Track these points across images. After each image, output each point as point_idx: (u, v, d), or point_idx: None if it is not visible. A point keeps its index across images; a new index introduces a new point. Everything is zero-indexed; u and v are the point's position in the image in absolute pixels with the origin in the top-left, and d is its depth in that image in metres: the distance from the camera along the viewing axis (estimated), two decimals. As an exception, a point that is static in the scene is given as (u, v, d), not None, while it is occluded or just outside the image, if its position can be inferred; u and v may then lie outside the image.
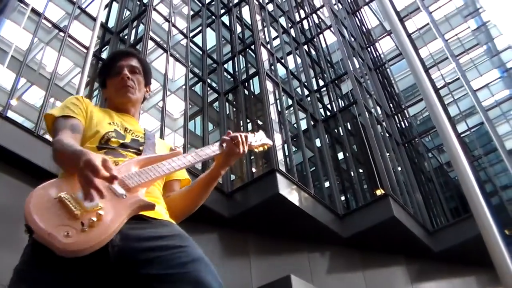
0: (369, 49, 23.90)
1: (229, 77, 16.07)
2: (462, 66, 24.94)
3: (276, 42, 18.12)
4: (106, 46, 14.29)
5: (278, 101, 14.93)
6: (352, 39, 21.70)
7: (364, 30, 25.78)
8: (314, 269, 12.41)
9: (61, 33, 12.17)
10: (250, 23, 17.38)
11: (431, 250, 14.64)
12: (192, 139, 12.77)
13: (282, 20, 19.63)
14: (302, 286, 9.99)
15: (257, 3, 18.30)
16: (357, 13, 26.48)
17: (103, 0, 13.13)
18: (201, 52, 15.86)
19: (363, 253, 13.56)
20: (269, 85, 14.58)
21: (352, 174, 15.10)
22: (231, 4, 18.50)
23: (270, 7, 19.49)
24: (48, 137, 10.16)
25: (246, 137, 1.82)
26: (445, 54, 23.98)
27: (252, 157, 13.46)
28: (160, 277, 1.33)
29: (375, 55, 24.12)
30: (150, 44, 13.33)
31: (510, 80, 26.10)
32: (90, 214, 1.29)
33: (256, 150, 2.00)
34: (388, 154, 15.56)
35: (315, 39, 20.53)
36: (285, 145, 13.61)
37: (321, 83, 18.66)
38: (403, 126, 20.87)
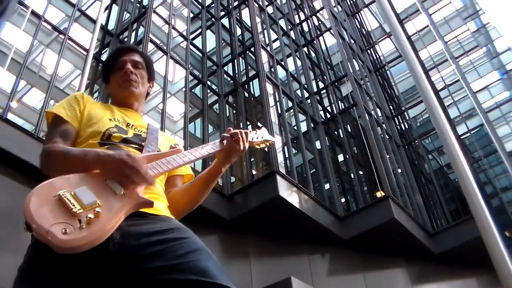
0: (369, 51, 23.92)
1: (229, 79, 16.08)
2: (462, 68, 24.98)
3: (276, 44, 18.14)
4: (106, 49, 14.30)
5: (278, 103, 14.93)
6: (352, 41, 21.72)
7: (364, 32, 25.81)
8: (315, 271, 12.40)
9: (61, 36, 12.17)
10: (250, 25, 17.40)
11: (432, 252, 14.63)
12: (192, 141, 12.76)
13: (282, 22, 19.65)
14: (302, 288, 9.99)
15: (256, 5, 18.33)
16: (357, 15, 26.51)
17: (103, 2, 13.16)
18: (201, 55, 15.87)
19: (363, 255, 13.55)
20: (269, 87, 14.59)
21: (352, 176, 15.09)
22: (231, 7, 18.52)
23: (270, 9, 19.51)
24: (48, 139, 10.15)
25: (246, 133, 1.81)
26: (444, 56, 24.02)
27: (252, 159, 13.46)
28: (163, 269, 1.34)
29: (375, 57, 24.14)
30: (150, 46, 13.35)
31: (510, 82, 26.13)
32: (87, 212, 1.30)
33: (257, 146, 1.99)
34: (388, 156, 15.57)
35: (315, 41, 20.56)
36: (285, 147, 13.61)
37: (321, 85, 18.67)
38: (403, 128, 20.88)
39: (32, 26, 11.57)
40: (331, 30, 20.04)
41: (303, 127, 15.39)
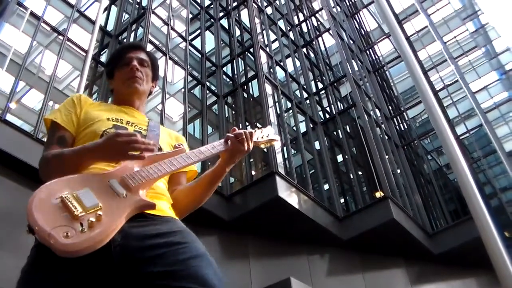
0: (368, 51, 23.94)
1: (228, 80, 16.08)
2: (461, 69, 24.99)
3: (275, 45, 18.15)
4: (105, 50, 14.29)
5: (277, 104, 14.94)
6: (351, 42, 21.73)
7: (363, 32, 25.82)
8: (314, 272, 12.40)
9: (60, 37, 12.17)
10: (249, 26, 17.40)
11: (431, 252, 14.63)
12: (191, 142, 12.76)
13: (281, 23, 19.66)
14: (301, 289, 9.99)
15: (255, 6, 18.33)
16: (356, 16, 26.52)
17: (102, 3, 13.16)
18: (200, 55, 15.86)
19: (362, 256, 13.55)
20: (268, 88, 14.59)
21: (352, 177, 15.10)
22: (230, 7, 18.52)
23: (269, 10, 19.52)
24: (47, 140, 10.16)
25: (251, 134, 1.79)
26: (443, 57, 24.03)
27: (252, 160, 13.46)
28: (162, 274, 1.33)
29: (373, 58, 24.15)
30: (149, 47, 13.34)
31: (509, 82, 26.14)
32: (89, 215, 1.30)
33: (262, 146, 1.97)
34: (387, 156, 15.57)
35: (314, 42, 20.56)
36: (285, 148, 13.61)
37: (320, 85, 18.68)
38: (402, 129, 20.89)
39: (31, 27, 11.56)
40: (330, 31, 20.05)
41: (302, 127, 15.39)
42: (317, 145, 15.43)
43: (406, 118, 21.42)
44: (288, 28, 20.01)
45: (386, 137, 17.37)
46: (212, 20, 17.84)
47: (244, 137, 1.75)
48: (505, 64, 26.87)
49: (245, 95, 15.23)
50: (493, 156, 20.97)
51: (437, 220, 16.68)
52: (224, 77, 15.98)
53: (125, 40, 14.25)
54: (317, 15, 22.46)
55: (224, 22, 18.23)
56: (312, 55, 20.12)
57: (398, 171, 16.47)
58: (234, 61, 16.25)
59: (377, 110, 18.73)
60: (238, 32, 17.97)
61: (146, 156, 1.55)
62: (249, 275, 11.10)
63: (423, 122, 21.66)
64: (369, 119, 16.23)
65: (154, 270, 1.33)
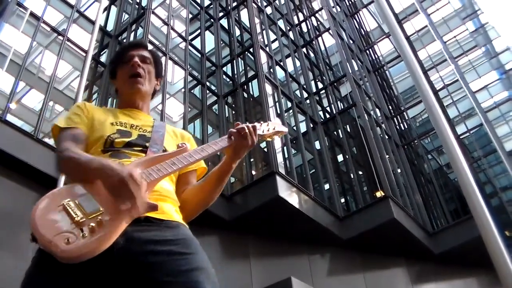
0: (367, 51, 23.93)
1: (228, 80, 16.08)
2: (461, 68, 25.00)
3: (275, 45, 18.15)
4: (105, 50, 14.30)
5: (277, 103, 14.94)
6: (351, 42, 21.73)
7: (363, 32, 25.82)
8: (315, 271, 12.40)
9: (60, 37, 12.18)
10: (248, 26, 17.40)
11: (431, 251, 14.63)
12: (191, 142, 12.76)
13: (281, 23, 19.65)
14: (302, 289, 9.99)
15: (255, 6, 18.33)
16: (356, 15, 26.52)
17: (102, 3, 13.17)
18: (200, 55, 15.87)
19: (363, 255, 13.55)
20: (268, 88, 14.59)
21: (352, 176, 15.09)
22: (229, 7, 18.52)
23: (268, 10, 19.52)
24: (47, 140, 10.17)
25: (254, 127, 1.75)
26: (443, 56, 24.02)
27: (252, 160, 13.46)
28: (160, 284, 1.33)
29: (373, 58, 24.15)
30: (149, 47, 13.33)
31: (509, 82, 26.14)
32: (90, 220, 1.30)
33: (269, 139, 1.94)
34: (387, 156, 15.57)
35: (313, 42, 20.56)
36: (285, 148, 13.61)
37: (320, 85, 18.68)
38: (403, 128, 20.88)
39: (31, 28, 11.57)
40: (330, 31, 20.05)
41: (303, 127, 15.39)
42: (317, 144, 15.43)
43: (406, 118, 21.42)
44: (288, 28, 20.01)
45: (387, 137, 17.37)
46: (212, 20, 17.85)
47: (247, 131, 1.71)
48: (505, 63, 26.88)
49: (245, 95, 15.23)
50: (493, 156, 20.97)
51: (438, 219, 16.68)
52: (224, 77, 15.98)
53: (125, 40, 14.25)
54: (317, 15, 22.46)
55: (224, 22, 18.23)
56: (312, 55, 20.12)
57: (399, 170, 16.47)
58: (234, 61, 16.25)
59: (377, 110, 18.73)
60: (238, 32, 17.98)
61: (150, 157, 1.55)
62: (249, 275, 11.10)
63: (423, 122, 21.67)
64: (369, 118, 16.23)
65: (155, 276, 1.34)
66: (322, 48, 20.64)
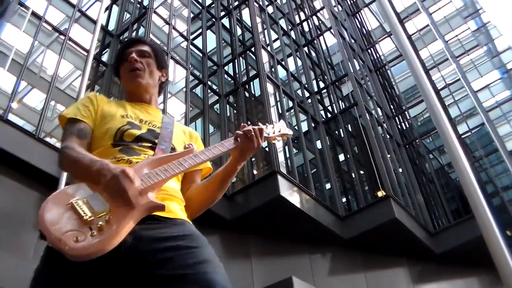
0: (369, 50, 23.92)
1: (229, 79, 16.08)
2: (463, 67, 24.97)
3: (277, 44, 18.14)
4: (107, 49, 14.31)
5: (278, 103, 14.94)
6: (352, 41, 21.72)
7: (364, 31, 25.81)
8: (316, 271, 12.40)
9: (62, 36, 12.19)
10: (250, 25, 17.40)
11: (433, 251, 14.62)
12: (192, 142, 12.76)
13: (282, 22, 19.65)
14: (303, 288, 9.99)
15: (257, 5, 18.33)
16: (357, 14, 26.51)
17: (103, 3, 13.16)
18: (201, 55, 15.87)
19: (364, 255, 13.55)
20: (270, 87, 14.59)
21: (353, 176, 15.09)
22: (231, 7, 18.52)
23: (270, 9, 19.51)
24: (49, 140, 10.19)
25: (260, 130, 1.76)
26: (445, 55, 24.00)
27: (253, 159, 13.47)
28: (170, 278, 1.35)
29: (375, 57, 24.14)
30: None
31: (511, 81, 26.12)
32: (99, 219, 1.32)
33: (274, 141, 1.94)
34: (389, 155, 15.56)
35: (315, 41, 20.55)
36: (286, 147, 13.61)
37: (322, 85, 18.67)
38: (404, 128, 20.87)
39: (33, 27, 11.58)
40: (332, 30, 20.03)
41: (304, 126, 15.39)
42: (318, 144, 15.43)
43: (408, 117, 21.41)
44: (290, 27, 20.01)
45: (388, 136, 17.36)
46: (213, 19, 17.85)
47: (253, 133, 1.72)
48: (507, 62, 26.86)
49: (247, 94, 15.23)
50: (495, 155, 20.95)
51: (439, 219, 16.66)
52: (226, 76, 15.98)
53: (126, 40, 14.25)
54: (318, 14, 22.46)
55: (226, 21, 18.23)
56: (313, 54, 20.11)
57: (400, 170, 16.46)
58: (236, 60, 16.25)
59: (378, 109, 18.72)
60: (239, 31, 17.98)
61: (157, 157, 1.58)
62: (251, 274, 11.11)
63: (425, 121, 21.66)
64: (370, 118, 16.22)
65: (164, 272, 1.35)
66: (324, 47, 20.64)
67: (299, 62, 18.61)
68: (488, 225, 3.72)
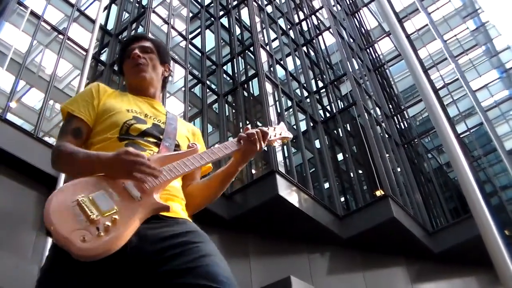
0: (368, 50, 23.93)
1: (228, 78, 16.08)
2: (461, 67, 24.96)
3: (275, 44, 18.14)
4: (105, 48, 14.30)
5: (277, 102, 14.94)
6: (351, 40, 21.72)
7: (363, 31, 25.81)
8: (314, 270, 12.41)
9: (60, 36, 12.18)
10: (249, 24, 17.40)
11: (431, 250, 14.63)
12: (191, 141, 12.75)
13: (281, 22, 19.65)
14: (302, 287, 10.00)
15: (256, 5, 18.33)
16: (356, 14, 26.52)
17: (102, 2, 13.17)
18: (200, 54, 15.87)
19: (363, 254, 13.56)
20: (269, 87, 14.59)
21: (352, 175, 15.10)
22: (230, 6, 18.52)
23: (269, 8, 19.51)
24: (47, 139, 10.18)
25: (264, 134, 1.78)
26: (444, 55, 24.01)
27: (252, 159, 13.45)
28: (175, 273, 1.36)
29: (374, 56, 24.15)
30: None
31: (509, 81, 26.13)
32: (105, 219, 1.33)
33: (275, 144, 1.97)
34: (387, 155, 15.57)
35: (314, 41, 20.56)
36: (285, 147, 13.61)
37: (321, 84, 18.68)
38: (403, 127, 20.88)
39: (31, 26, 11.57)
40: (330, 29, 20.04)
41: (303, 126, 15.40)
42: (317, 143, 15.44)
43: (407, 117, 21.42)
44: (288, 27, 20.00)
45: (387, 136, 17.37)
46: (212, 18, 17.84)
47: (256, 137, 1.74)
48: (506, 62, 26.85)
49: (246, 93, 15.23)
50: (493, 155, 20.96)
51: (437, 218, 16.68)
52: (225, 75, 15.98)
53: (125, 39, 14.23)
54: (317, 13, 22.46)
55: (224, 20, 18.22)
56: (312, 53, 20.11)
57: (399, 169, 16.47)
58: (234, 59, 16.25)
59: (377, 109, 18.73)
60: (238, 31, 17.97)
61: (162, 155, 1.59)
62: (249, 273, 11.11)
63: (424, 121, 21.66)
64: (369, 117, 16.23)
65: (169, 269, 1.36)
66: (323, 46, 20.64)
67: (298, 62, 18.61)
68: (486, 225, 3.72)
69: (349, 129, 17.29)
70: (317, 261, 12.95)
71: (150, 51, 1.93)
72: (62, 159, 1.58)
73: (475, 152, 21.42)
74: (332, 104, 17.53)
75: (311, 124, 15.76)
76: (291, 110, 15.69)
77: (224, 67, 16.21)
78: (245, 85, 15.25)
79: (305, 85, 17.51)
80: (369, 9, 27.45)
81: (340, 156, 16.14)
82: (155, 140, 1.68)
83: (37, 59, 12.11)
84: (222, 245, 11.07)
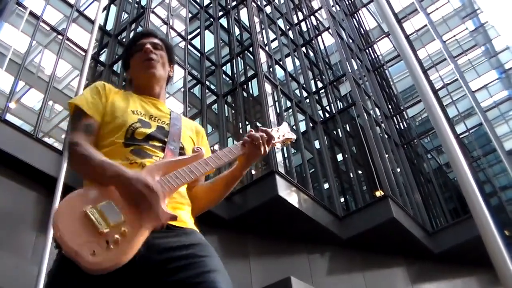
0: (367, 50, 23.93)
1: (227, 79, 16.08)
2: (461, 67, 25.00)
3: (275, 44, 18.14)
4: (105, 49, 14.29)
5: (276, 103, 14.93)
6: (350, 41, 21.73)
7: (362, 31, 25.82)
8: (314, 271, 12.40)
9: (60, 36, 12.17)
10: (248, 25, 17.40)
11: (431, 251, 14.63)
12: (191, 142, 12.74)
13: (280, 22, 19.65)
14: (302, 288, 9.99)
15: (255, 5, 18.32)
16: (355, 15, 26.52)
17: (101, 3, 13.16)
18: (199, 55, 15.86)
19: (363, 255, 13.55)
20: (268, 87, 14.59)
21: (351, 176, 15.10)
22: (229, 7, 18.52)
23: (268, 9, 19.51)
24: (47, 140, 10.17)
25: (269, 137, 1.77)
26: (443, 55, 24.03)
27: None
28: (179, 284, 1.37)
29: (373, 57, 24.15)
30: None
31: (508, 81, 26.16)
32: (114, 231, 1.33)
33: (279, 146, 1.95)
34: (387, 155, 15.57)
35: (313, 41, 20.56)
36: (284, 147, 13.61)
37: (320, 85, 18.68)
38: (402, 128, 20.89)
39: (31, 27, 11.56)
40: (330, 30, 20.05)
41: (302, 126, 15.39)
42: (317, 144, 15.43)
43: (406, 117, 21.42)
44: (288, 27, 20.00)
45: (386, 136, 17.37)
46: (211, 19, 17.84)
47: (260, 141, 1.73)
48: (505, 63, 26.90)
49: (245, 94, 15.22)
50: (493, 155, 20.99)
51: (437, 218, 16.68)
52: (224, 76, 15.98)
53: (124, 40, 14.24)
54: (316, 14, 22.46)
55: (224, 21, 18.22)
56: (311, 54, 20.11)
57: (398, 170, 16.47)
58: (234, 60, 16.25)
59: (376, 109, 18.73)
60: (237, 31, 17.97)
61: (167, 161, 1.58)
62: (249, 274, 11.10)
63: (423, 121, 21.67)
64: (368, 118, 16.23)
65: (175, 280, 1.37)
66: (322, 47, 20.65)
67: (297, 62, 18.61)
68: (486, 225, 3.72)
69: (348, 129, 17.29)
70: (317, 262, 12.94)
71: (160, 48, 1.93)
72: (75, 159, 1.56)
73: (475, 152, 21.44)
74: (332, 105, 17.53)
75: (311, 125, 15.76)
76: (290, 110, 15.69)
77: (224, 68, 16.21)
78: (245, 85, 15.24)
79: (304, 85, 17.51)
80: (368, 9, 27.46)
81: (339, 157, 16.14)
82: (160, 144, 1.67)
83: (36, 59, 12.10)
84: (221, 246, 11.07)
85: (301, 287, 9.97)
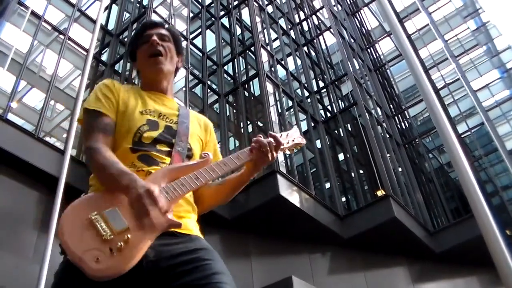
0: (369, 50, 23.92)
1: (229, 78, 16.08)
2: (462, 67, 24.97)
3: (276, 44, 18.13)
4: (106, 49, 14.30)
5: (278, 102, 14.93)
6: (352, 40, 21.71)
7: (364, 31, 25.80)
8: (315, 270, 12.41)
9: (61, 36, 12.18)
10: (249, 24, 17.39)
11: (432, 250, 14.62)
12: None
13: (282, 22, 19.64)
14: (303, 287, 9.99)
15: (256, 4, 18.32)
16: (357, 14, 26.50)
17: (103, 2, 13.16)
18: (201, 54, 15.87)
19: (364, 254, 13.55)
20: (269, 87, 14.59)
21: (353, 175, 15.09)
22: (230, 6, 18.51)
23: (269, 8, 19.51)
24: (48, 139, 10.19)
25: (277, 143, 1.75)
26: (445, 55, 24.00)
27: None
28: (187, 287, 1.39)
29: (375, 56, 24.14)
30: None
31: (510, 80, 26.13)
32: (118, 238, 1.34)
33: (288, 151, 1.94)
34: (388, 155, 15.55)
35: (315, 41, 20.55)
36: (286, 147, 13.60)
37: (321, 84, 18.67)
38: (404, 127, 20.87)
39: (32, 27, 11.57)
40: (331, 29, 20.03)
41: (304, 126, 15.39)
42: (318, 143, 15.43)
43: (407, 117, 21.41)
44: (289, 27, 20.00)
45: (388, 136, 17.36)
46: (213, 18, 17.84)
47: (268, 148, 1.72)
48: (506, 62, 26.88)
49: (246, 93, 15.23)
50: (494, 155, 20.96)
51: (439, 218, 16.67)
52: (225, 76, 15.98)
53: (126, 39, 14.25)
54: (318, 13, 22.45)
55: (225, 20, 18.22)
56: (313, 53, 20.10)
57: (400, 169, 16.46)
58: (235, 59, 16.25)
59: (378, 109, 18.72)
60: (239, 31, 17.97)
61: (174, 167, 1.59)
62: (250, 273, 11.11)
63: (424, 121, 21.67)
64: (370, 117, 16.22)
65: (182, 283, 1.39)
66: (323, 46, 20.64)
67: (299, 62, 18.61)
68: (487, 225, 3.71)
69: (350, 129, 17.28)
70: (318, 261, 12.94)
71: (168, 39, 1.89)
72: (94, 166, 1.55)
73: (476, 152, 21.42)
74: (333, 104, 17.53)
75: (312, 124, 15.75)
76: (292, 110, 15.68)
77: (225, 67, 16.21)
78: (246, 85, 15.24)
79: (306, 85, 17.51)
80: (369, 9, 27.44)
81: (341, 156, 16.14)
82: (167, 149, 1.66)
83: (38, 59, 12.12)
84: (223, 245, 11.08)
85: (302, 286, 9.98)
